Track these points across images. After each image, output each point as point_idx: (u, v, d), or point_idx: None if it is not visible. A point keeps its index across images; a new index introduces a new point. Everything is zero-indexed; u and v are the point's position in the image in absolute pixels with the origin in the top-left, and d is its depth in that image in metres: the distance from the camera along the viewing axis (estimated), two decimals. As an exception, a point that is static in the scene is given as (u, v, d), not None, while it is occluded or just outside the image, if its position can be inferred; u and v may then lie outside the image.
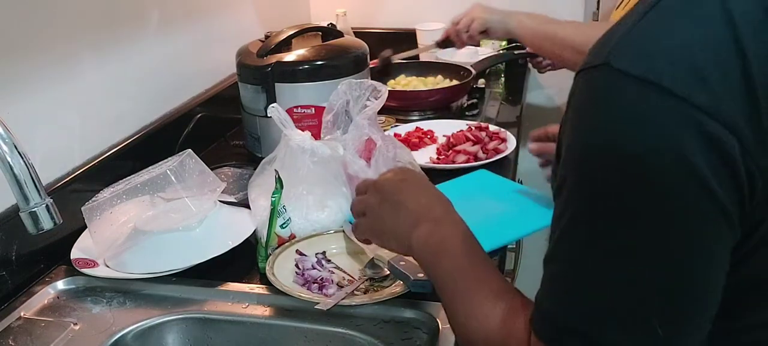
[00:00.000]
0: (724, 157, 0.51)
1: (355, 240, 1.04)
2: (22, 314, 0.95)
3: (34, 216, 0.74)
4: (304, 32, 1.37)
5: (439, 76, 1.80)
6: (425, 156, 1.40)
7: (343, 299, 0.90)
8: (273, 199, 0.99)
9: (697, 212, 0.52)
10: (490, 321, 0.66)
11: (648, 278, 0.54)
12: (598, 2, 2.05)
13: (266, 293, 0.96)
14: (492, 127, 1.46)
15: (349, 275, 0.99)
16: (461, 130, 1.46)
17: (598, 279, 0.55)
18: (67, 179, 1.11)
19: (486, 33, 1.58)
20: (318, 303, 0.90)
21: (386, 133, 1.23)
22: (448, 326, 0.85)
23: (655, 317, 0.54)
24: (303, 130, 1.10)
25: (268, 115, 1.09)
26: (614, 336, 0.55)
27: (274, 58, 1.30)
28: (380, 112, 1.16)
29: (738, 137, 0.51)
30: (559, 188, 0.58)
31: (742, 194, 0.52)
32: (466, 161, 1.34)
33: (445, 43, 1.71)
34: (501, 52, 2.00)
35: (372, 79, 1.19)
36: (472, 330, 0.68)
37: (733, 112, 0.51)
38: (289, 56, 1.31)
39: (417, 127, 1.51)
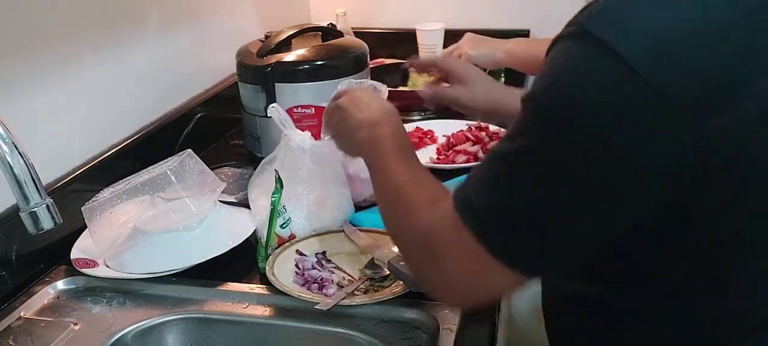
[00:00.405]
0: (671, 141, 0.57)
1: (355, 241, 1.04)
2: (22, 314, 0.95)
3: (34, 216, 0.74)
4: (304, 32, 1.37)
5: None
6: (425, 156, 1.40)
7: (343, 299, 0.90)
8: (273, 199, 0.99)
9: (615, 178, 0.59)
10: (421, 204, 0.76)
11: (543, 200, 0.62)
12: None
13: (266, 293, 0.96)
14: (492, 128, 1.46)
15: (349, 275, 0.99)
16: (461, 131, 1.46)
17: (508, 184, 0.64)
18: (67, 179, 1.11)
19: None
20: (318, 303, 0.90)
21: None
22: (448, 326, 0.85)
23: (533, 233, 0.63)
24: (303, 130, 1.10)
25: (268, 115, 1.09)
26: (496, 227, 0.65)
27: (274, 58, 1.30)
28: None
29: (692, 120, 0.56)
30: (523, 107, 0.64)
31: (681, 174, 0.58)
32: (466, 161, 1.34)
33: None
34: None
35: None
36: (403, 216, 0.78)
37: (690, 92, 0.56)
38: (289, 56, 1.31)
39: (417, 127, 1.51)
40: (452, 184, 1.25)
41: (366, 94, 0.95)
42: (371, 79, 1.46)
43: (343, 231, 1.07)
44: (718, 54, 0.57)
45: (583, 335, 0.79)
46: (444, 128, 1.49)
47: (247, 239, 1.05)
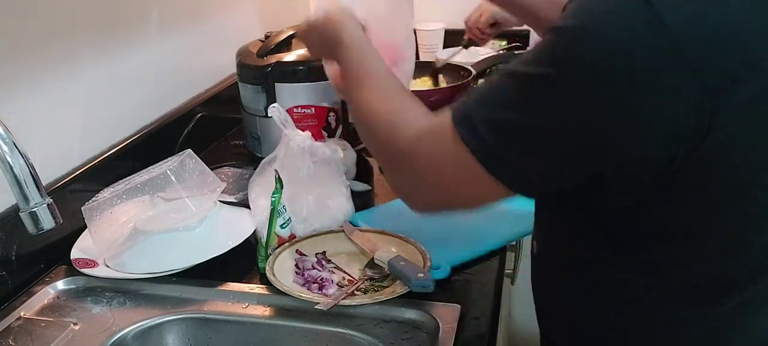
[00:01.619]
0: (683, 102, 0.59)
1: (355, 241, 1.04)
2: (22, 314, 0.95)
3: (34, 216, 0.74)
4: (304, 32, 1.37)
5: (440, 76, 1.80)
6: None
7: (343, 299, 0.90)
8: (273, 199, 0.99)
9: (620, 123, 0.61)
10: (420, 113, 0.79)
11: (547, 128, 0.64)
12: None
13: (266, 293, 0.96)
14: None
15: (349, 275, 0.99)
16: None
17: (514, 104, 0.66)
18: (67, 179, 1.11)
19: (496, 25, 1.59)
20: (318, 303, 0.90)
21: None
22: (449, 325, 0.85)
23: (530, 154, 0.66)
24: (303, 130, 1.10)
25: (269, 115, 1.09)
26: (493, 142, 0.67)
27: (274, 58, 1.30)
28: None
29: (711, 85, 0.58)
30: (550, 34, 0.65)
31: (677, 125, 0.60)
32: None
33: (468, 43, 1.73)
34: (501, 52, 2.00)
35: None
36: (400, 123, 0.78)
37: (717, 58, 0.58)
38: (289, 56, 1.31)
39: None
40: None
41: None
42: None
43: (343, 231, 1.07)
44: (748, 26, 0.59)
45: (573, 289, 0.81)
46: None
47: (247, 239, 1.05)
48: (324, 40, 0.95)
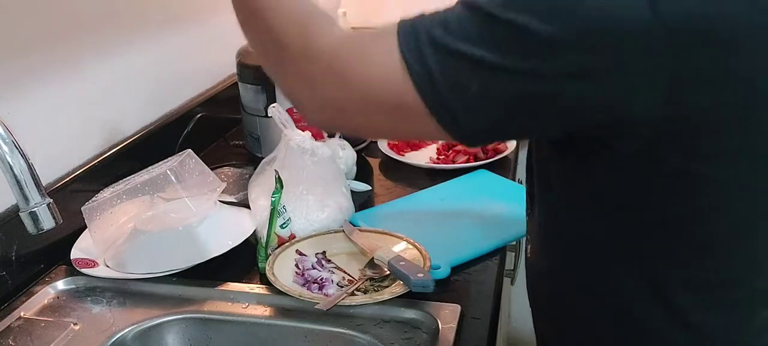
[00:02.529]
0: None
1: (355, 241, 1.04)
2: (22, 314, 0.95)
3: (34, 216, 0.74)
4: (304, 32, 1.37)
5: None
6: (425, 156, 1.40)
7: (343, 299, 0.90)
8: (273, 199, 0.99)
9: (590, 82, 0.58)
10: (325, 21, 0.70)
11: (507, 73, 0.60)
12: None
13: (266, 293, 0.96)
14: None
15: (349, 275, 0.99)
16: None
17: (473, 42, 0.60)
18: (67, 178, 1.11)
19: None
20: (318, 303, 0.90)
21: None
22: (449, 325, 0.85)
23: (468, 88, 0.61)
24: (303, 130, 1.10)
25: (269, 115, 1.09)
26: (432, 59, 0.61)
27: (274, 58, 1.30)
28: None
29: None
30: None
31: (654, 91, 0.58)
32: (466, 161, 1.34)
33: None
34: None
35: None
36: (318, 22, 0.70)
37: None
38: (289, 56, 1.31)
39: (417, 127, 1.50)
40: (452, 185, 1.26)
41: None
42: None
43: (343, 231, 1.07)
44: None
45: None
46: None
47: (247, 239, 1.05)
48: None
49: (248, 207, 1.11)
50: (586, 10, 0.56)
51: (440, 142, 1.46)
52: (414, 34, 0.62)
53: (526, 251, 0.88)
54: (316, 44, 0.68)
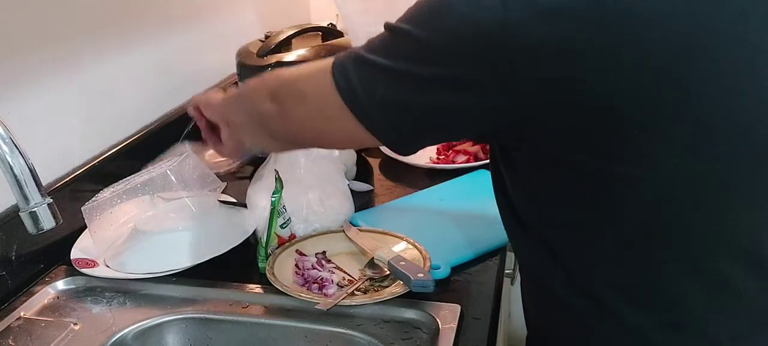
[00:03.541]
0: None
1: (355, 240, 1.04)
2: (22, 314, 0.95)
3: (34, 216, 0.74)
4: (304, 32, 1.37)
5: None
6: (425, 156, 1.40)
7: (343, 299, 0.90)
8: (273, 199, 0.99)
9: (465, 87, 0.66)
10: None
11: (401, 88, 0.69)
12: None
13: (266, 293, 0.96)
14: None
15: (349, 275, 0.99)
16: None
17: (378, 51, 0.71)
18: (67, 178, 1.11)
19: None
20: (318, 303, 0.90)
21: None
22: (449, 326, 0.85)
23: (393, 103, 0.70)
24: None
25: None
26: (353, 73, 0.72)
27: (274, 58, 1.30)
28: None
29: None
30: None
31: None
32: (466, 161, 1.34)
33: None
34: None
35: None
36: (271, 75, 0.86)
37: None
38: (289, 56, 1.31)
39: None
40: (452, 185, 1.26)
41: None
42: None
43: (343, 231, 1.07)
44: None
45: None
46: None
47: (247, 239, 1.05)
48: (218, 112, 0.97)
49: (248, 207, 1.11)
50: (452, 16, 0.64)
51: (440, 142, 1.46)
52: (344, 56, 0.74)
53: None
54: (276, 76, 0.84)
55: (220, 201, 1.13)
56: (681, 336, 0.72)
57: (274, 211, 1.00)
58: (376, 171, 1.37)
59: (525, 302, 0.91)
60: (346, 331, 0.88)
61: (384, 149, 1.42)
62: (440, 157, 1.39)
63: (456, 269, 0.98)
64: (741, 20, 0.62)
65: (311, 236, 1.06)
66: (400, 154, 0.80)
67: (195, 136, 1.38)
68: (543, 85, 0.63)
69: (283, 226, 1.03)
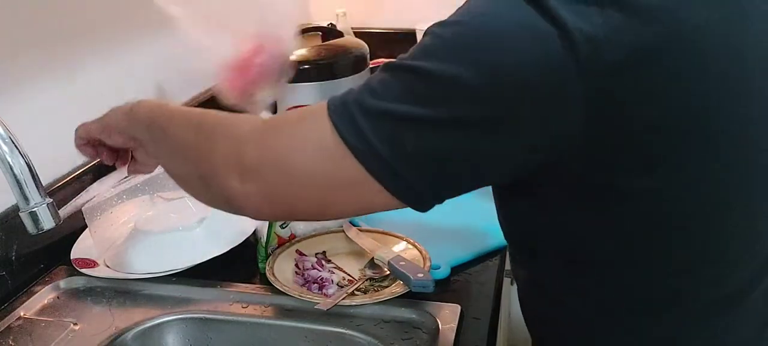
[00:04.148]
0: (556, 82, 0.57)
1: (355, 240, 1.04)
2: (22, 314, 0.95)
3: (34, 216, 0.74)
4: (304, 32, 1.37)
5: None
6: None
7: (343, 299, 0.90)
8: (273, 199, 0.99)
9: (510, 117, 0.59)
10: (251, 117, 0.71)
11: (430, 123, 0.59)
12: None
13: (266, 293, 0.96)
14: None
15: (349, 275, 0.99)
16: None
17: (397, 96, 0.60)
18: (67, 178, 1.11)
19: None
20: (318, 303, 0.90)
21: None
22: (449, 326, 0.85)
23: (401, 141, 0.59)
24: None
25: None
26: (367, 127, 0.60)
27: (274, 58, 1.30)
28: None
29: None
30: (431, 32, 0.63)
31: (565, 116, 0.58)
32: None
33: None
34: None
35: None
36: (227, 127, 0.68)
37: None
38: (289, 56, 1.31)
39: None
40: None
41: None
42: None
43: (343, 231, 1.07)
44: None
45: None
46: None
47: (247, 239, 1.05)
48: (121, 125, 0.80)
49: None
50: (495, 54, 0.57)
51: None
52: (344, 107, 0.61)
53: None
54: (238, 138, 0.66)
55: (220, 201, 1.12)
56: (688, 340, 0.72)
57: (274, 211, 1.00)
58: (376, 171, 1.36)
59: (529, 313, 0.87)
60: (346, 331, 0.88)
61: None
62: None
63: (456, 269, 0.98)
64: (742, 22, 0.62)
65: (311, 236, 1.06)
66: (422, 211, 0.65)
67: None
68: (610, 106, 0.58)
69: (283, 226, 1.03)
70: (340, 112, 0.61)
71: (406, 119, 0.59)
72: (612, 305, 0.72)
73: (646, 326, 0.71)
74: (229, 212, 0.70)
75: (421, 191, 0.62)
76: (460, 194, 0.65)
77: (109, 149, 0.84)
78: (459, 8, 0.63)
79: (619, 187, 0.63)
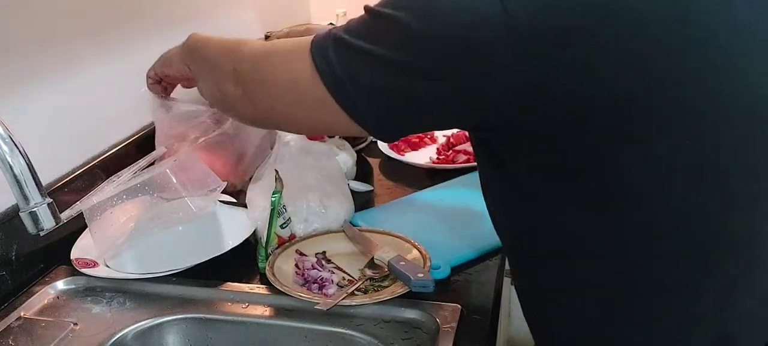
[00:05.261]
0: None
1: (355, 240, 1.04)
2: (22, 314, 0.95)
3: (34, 216, 0.74)
4: (304, 32, 1.37)
5: None
6: (425, 156, 1.40)
7: (343, 299, 0.90)
8: (273, 199, 0.99)
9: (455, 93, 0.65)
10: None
11: (385, 74, 0.67)
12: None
13: (266, 293, 0.96)
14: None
15: (349, 275, 0.99)
16: (461, 130, 1.46)
17: (360, 35, 0.69)
18: (67, 178, 1.11)
19: None
20: (318, 303, 0.90)
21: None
22: (448, 326, 0.85)
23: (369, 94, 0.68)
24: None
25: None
26: (334, 57, 0.69)
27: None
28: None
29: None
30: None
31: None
32: (466, 161, 1.34)
33: None
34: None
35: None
36: (243, 44, 0.83)
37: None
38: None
39: (417, 127, 1.51)
40: (452, 185, 1.26)
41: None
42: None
43: (343, 231, 1.07)
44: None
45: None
46: (444, 128, 1.49)
47: (247, 239, 1.05)
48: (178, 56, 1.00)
49: (247, 207, 1.11)
50: (443, 6, 0.62)
51: (440, 142, 1.46)
52: (322, 39, 0.71)
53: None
54: (240, 54, 0.81)
55: (220, 201, 1.13)
56: (696, 331, 0.72)
57: (274, 211, 1.00)
58: (376, 171, 1.37)
59: (529, 313, 0.88)
60: (346, 331, 0.88)
61: (384, 149, 1.42)
62: (440, 157, 1.39)
63: (456, 269, 0.98)
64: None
65: (311, 236, 1.06)
66: (383, 140, 0.77)
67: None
68: (545, 74, 0.61)
69: (283, 226, 1.03)
70: (318, 44, 0.71)
71: (364, 54, 0.67)
72: (611, 302, 0.72)
73: (646, 322, 0.71)
74: (229, 114, 0.94)
75: (376, 121, 0.71)
76: (416, 132, 0.78)
77: (172, 82, 1.08)
78: None
79: (598, 169, 0.65)
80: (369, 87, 0.68)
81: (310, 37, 0.73)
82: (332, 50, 0.69)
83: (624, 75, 0.60)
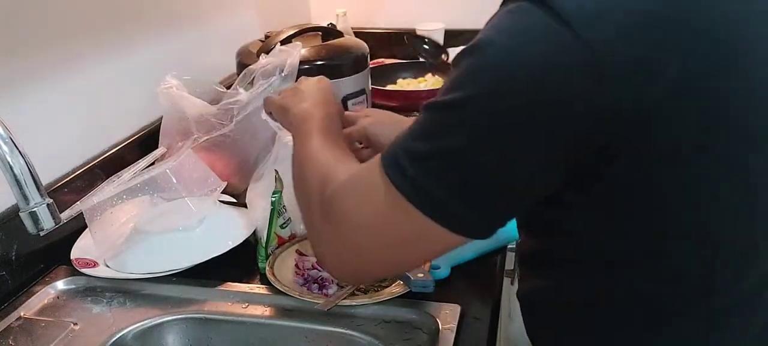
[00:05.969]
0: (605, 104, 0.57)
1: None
2: (22, 314, 0.95)
3: (34, 216, 0.74)
4: (304, 32, 1.37)
5: (437, 77, 1.80)
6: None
7: (343, 299, 0.90)
8: (273, 199, 0.99)
9: (547, 135, 0.59)
10: (336, 170, 0.75)
11: (476, 151, 0.60)
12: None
13: (266, 293, 0.96)
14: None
15: (349, 275, 0.99)
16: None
17: (441, 133, 0.62)
18: (67, 178, 1.11)
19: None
20: (318, 303, 0.90)
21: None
22: (449, 326, 0.85)
23: (463, 185, 0.61)
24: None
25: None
26: (408, 166, 0.62)
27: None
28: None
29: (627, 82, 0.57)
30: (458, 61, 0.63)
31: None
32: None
33: None
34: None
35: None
36: (331, 171, 0.75)
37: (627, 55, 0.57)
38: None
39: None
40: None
41: (311, 83, 0.96)
42: (371, 78, 1.47)
43: (343, 231, 1.07)
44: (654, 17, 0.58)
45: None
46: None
47: (247, 239, 1.05)
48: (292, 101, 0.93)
49: (247, 207, 1.11)
50: (514, 70, 0.58)
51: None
52: (393, 156, 0.64)
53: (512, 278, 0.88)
54: (328, 191, 0.71)
55: (220, 201, 1.13)
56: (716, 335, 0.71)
57: (274, 211, 1.00)
58: (376, 171, 1.36)
59: (533, 320, 0.85)
60: (346, 331, 0.88)
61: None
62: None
63: (456, 269, 0.98)
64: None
65: (311, 236, 1.06)
66: (485, 238, 0.66)
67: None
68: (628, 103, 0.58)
69: (283, 226, 1.03)
70: (390, 163, 0.64)
71: (444, 155, 0.61)
72: (626, 311, 0.71)
73: (653, 333, 0.71)
74: (314, 249, 0.77)
75: (482, 220, 0.64)
76: (522, 211, 0.68)
77: None
78: (482, 31, 0.63)
79: (637, 187, 0.63)
80: (467, 185, 0.61)
81: (376, 160, 0.66)
82: (411, 169, 0.62)
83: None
